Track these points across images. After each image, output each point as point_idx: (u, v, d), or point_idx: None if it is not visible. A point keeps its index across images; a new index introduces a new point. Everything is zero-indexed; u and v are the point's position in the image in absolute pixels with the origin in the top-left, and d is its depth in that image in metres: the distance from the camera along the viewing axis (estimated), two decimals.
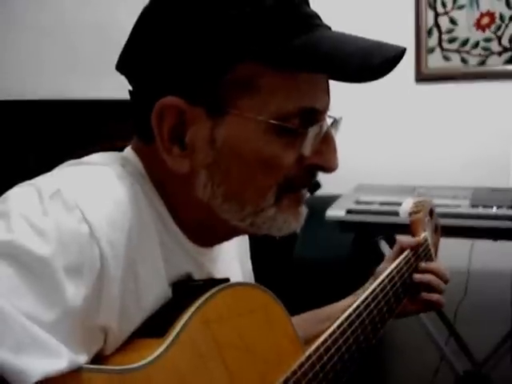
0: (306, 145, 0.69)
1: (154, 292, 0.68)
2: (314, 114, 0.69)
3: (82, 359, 0.59)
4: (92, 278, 0.60)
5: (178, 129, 0.68)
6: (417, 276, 1.01)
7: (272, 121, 0.66)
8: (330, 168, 0.72)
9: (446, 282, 1.03)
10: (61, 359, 0.56)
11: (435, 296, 1.02)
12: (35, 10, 2.90)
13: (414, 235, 1.08)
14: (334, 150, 0.72)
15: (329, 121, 0.73)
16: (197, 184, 0.70)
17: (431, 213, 1.16)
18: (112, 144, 0.79)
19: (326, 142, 0.71)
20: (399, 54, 0.68)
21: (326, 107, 0.72)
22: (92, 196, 0.63)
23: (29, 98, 2.68)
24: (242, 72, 0.66)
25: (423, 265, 1.03)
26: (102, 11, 2.82)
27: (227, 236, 0.79)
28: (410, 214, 1.11)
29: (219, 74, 0.66)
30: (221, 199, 0.70)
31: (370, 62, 0.65)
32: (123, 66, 0.73)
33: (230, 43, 0.65)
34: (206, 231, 0.76)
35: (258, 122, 0.66)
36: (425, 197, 1.19)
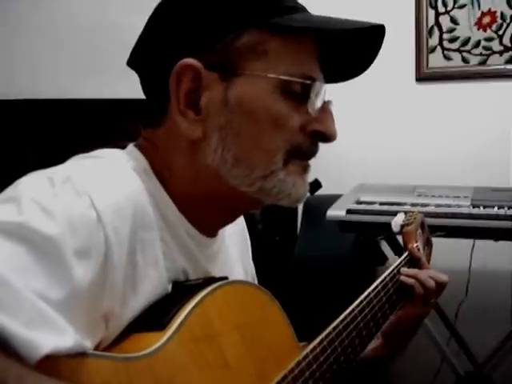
0: (311, 103, 0.74)
1: (151, 281, 0.70)
2: (314, 82, 0.75)
3: (87, 344, 0.60)
4: (98, 263, 0.62)
5: (193, 94, 0.72)
6: (401, 277, 1.03)
7: (282, 76, 0.72)
8: (330, 134, 0.76)
9: (429, 288, 1.02)
10: (68, 338, 0.57)
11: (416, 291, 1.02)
12: (37, 11, 2.90)
13: (406, 246, 1.11)
14: (333, 120, 0.77)
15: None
16: (207, 150, 0.73)
17: (422, 226, 1.18)
18: (114, 144, 0.80)
19: (325, 111, 0.77)
20: (383, 27, 0.77)
21: (322, 82, 0.78)
22: (100, 185, 0.66)
23: (27, 97, 2.68)
24: (250, 38, 0.72)
25: (404, 270, 1.04)
26: (117, 13, 2.82)
27: (233, 212, 0.82)
28: (403, 226, 1.14)
29: (230, 39, 0.72)
30: (230, 163, 0.73)
31: (361, 24, 0.75)
32: (136, 54, 0.78)
33: (239, 12, 0.72)
34: (212, 211, 0.78)
35: (268, 80, 0.72)
36: (415, 210, 1.24)
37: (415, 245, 1.11)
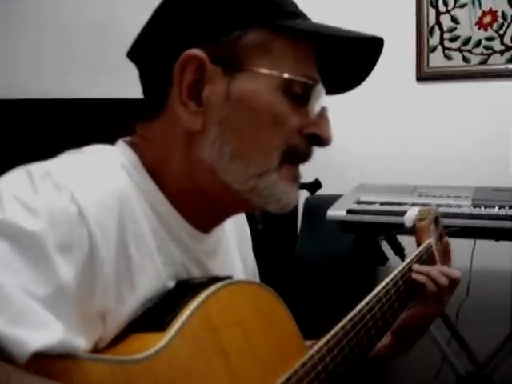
0: (311, 105, 0.75)
1: (148, 276, 0.70)
2: (315, 84, 0.76)
3: (80, 342, 0.60)
4: (82, 257, 0.61)
5: (196, 85, 0.72)
6: (413, 274, 1.01)
7: (286, 75, 0.73)
8: (327, 139, 0.77)
9: (441, 286, 1.01)
10: (56, 333, 0.57)
11: (428, 289, 1.01)
12: (40, 10, 2.90)
13: (419, 243, 1.08)
14: (329, 124, 0.78)
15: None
16: (205, 143, 0.73)
17: (436, 221, 1.16)
18: (111, 143, 0.79)
19: (322, 116, 0.78)
20: (382, 40, 0.78)
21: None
22: (82, 179, 0.66)
23: (32, 96, 2.67)
24: (256, 36, 0.73)
25: (416, 266, 1.02)
26: (124, 11, 2.81)
27: (224, 212, 0.81)
28: (415, 221, 1.11)
29: (236, 35, 0.73)
30: (227, 158, 0.73)
31: (362, 34, 0.76)
32: (139, 45, 0.78)
33: (248, 9, 0.74)
34: (204, 208, 0.77)
35: (271, 78, 0.73)
36: (430, 205, 1.20)
37: (428, 241, 1.09)
